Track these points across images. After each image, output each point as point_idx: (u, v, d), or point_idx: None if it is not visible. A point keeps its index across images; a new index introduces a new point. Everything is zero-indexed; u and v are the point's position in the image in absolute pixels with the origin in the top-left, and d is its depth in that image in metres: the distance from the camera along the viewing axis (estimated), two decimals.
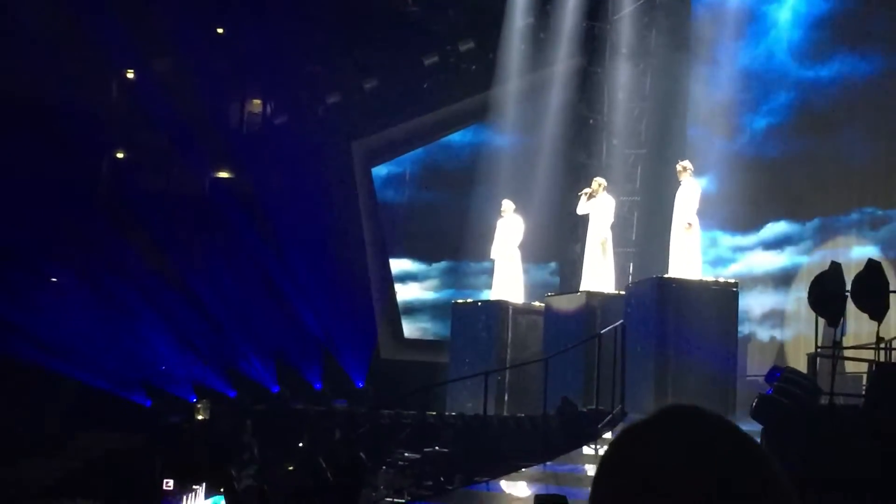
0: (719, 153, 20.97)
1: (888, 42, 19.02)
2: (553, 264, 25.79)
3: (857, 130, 19.08)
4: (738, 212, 20.87)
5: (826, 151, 19.46)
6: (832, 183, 19.35)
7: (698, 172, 17.94)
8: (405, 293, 27.78)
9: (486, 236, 21.14)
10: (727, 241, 21.27)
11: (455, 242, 25.76)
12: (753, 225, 20.70)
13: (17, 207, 23.16)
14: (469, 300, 21.84)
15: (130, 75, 28.02)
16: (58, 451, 21.77)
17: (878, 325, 12.59)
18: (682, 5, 23.28)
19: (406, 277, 27.77)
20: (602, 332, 16.83)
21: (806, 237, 19.78)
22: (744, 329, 19.27)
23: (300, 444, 19.57)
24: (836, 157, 19.28)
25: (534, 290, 21.51)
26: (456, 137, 28.15)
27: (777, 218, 20.37)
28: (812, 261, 18.83)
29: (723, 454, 1.51)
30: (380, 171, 28.26)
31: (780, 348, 20.05)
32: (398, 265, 27.75)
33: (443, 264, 27.63)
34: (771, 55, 21.05)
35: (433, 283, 27.75)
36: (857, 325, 15.32)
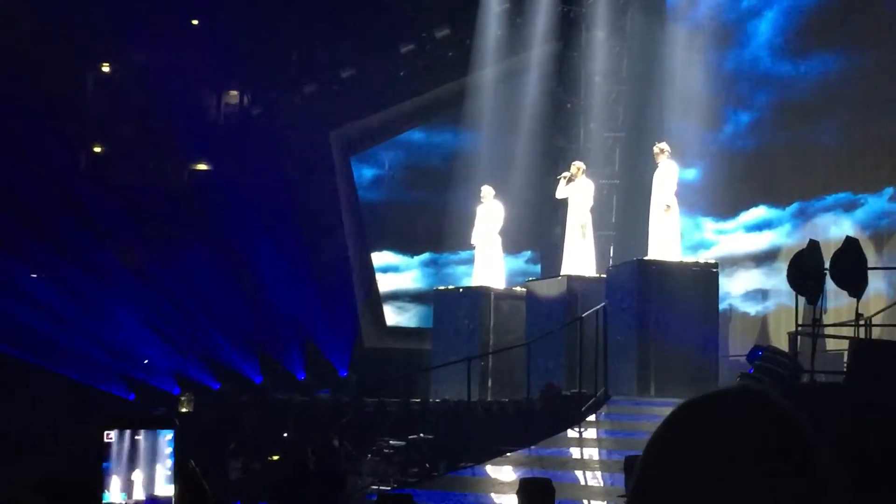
0: (698, 142, 21.02)
1: (862, 39, 19.07)
2: (528, 252, 25.82)
3: (833, 122, 19.16)
4: (718, 198, 20.94)
5: (801, 141, 19.54)
6: (809, 170, 19.42)
7: (677, 161, 17.99)
8: (387, 284, 27.78)
9: (467, 226, 21.16)
10: (709, 225, 21.34)
11: (435, 234, 25.82)
12: (734, 211, 20.77)
13: None
14: (451, 287, 21.85)
15: (106, 68, 27.90)
16: (42, 448, 21.69)
17: (857, 302, 12.67)
18: None
19: (388, 269, 27.78)
20: (583, 315, 16.85)
21: (785, 221, 19.86)
22: (725, 309, 19.33)
23: (284, 435, 19.57)
24: (812, 146, 19.37)
25: (510, 278, 21.51)
26: (434, 128, 28.15)
27: (756, 203, 20.44)
28: (791, 242, 18.90)
29: (774, 436, 1.52)
30: (361, 171, 28.21)
31: (762, 327, 20.13)
32: (380, 258, 27.75)
33: (425, 256, 27.64)
34: (748, 46, 21.07)
35: (415, 273, 27.77)
36: (837, 302, 15.39)
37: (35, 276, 25.22)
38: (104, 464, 2.92)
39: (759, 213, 20.38)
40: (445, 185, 25.53)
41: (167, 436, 3.05)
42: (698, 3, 22.07)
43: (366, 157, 28.46)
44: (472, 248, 21.13)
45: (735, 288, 20.46)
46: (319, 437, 17.65)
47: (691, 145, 20.45)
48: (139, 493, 2.87)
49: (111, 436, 3.00)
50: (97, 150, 28.03)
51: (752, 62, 20.89)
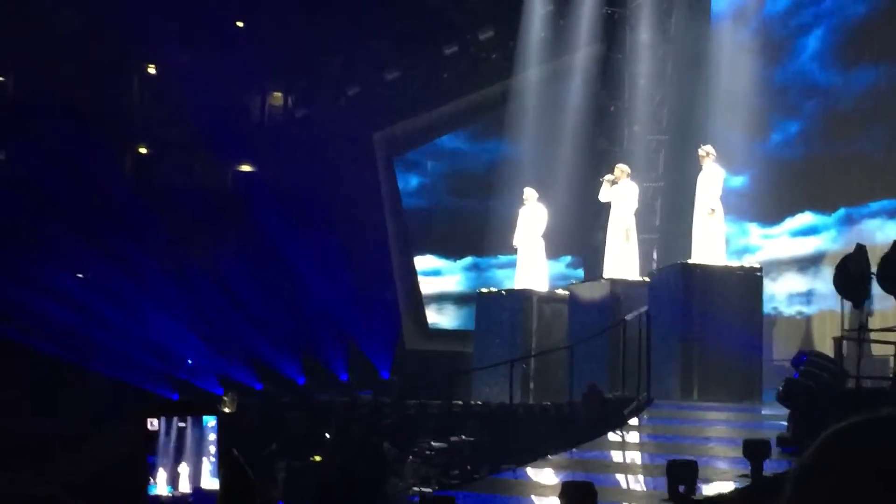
0: (743, 149, 20.87)
1: None
2: (569, 257, 25.73)
3: (879, 131, 18.98)
4: (764, 204, 20.81)
5: (847, 150, 19.38)
6: (854, 178, 19.25)
7: (724, 167, 17.89)
8: (429, 286, 27.79)
9: (509, 231, 21.12)
10: (755, 230, 21.20)
11: (478, 239, 25.82)
12: (780, 216, 20.63)
13: (41, 202, 23.28)
14: (493, 289, 21.83)
15: (151, 70, 28.08)
16: (85, 447, 21.84)
17: None
18: None
19: (430, 273, 27.80)
20: (626, 318, 16.79)
21: (831, 226, 19.71)
22: (769, 313, 19.20)
23: (326, 436, 19.61)
24: (857, 155, 19.20)
25: (551, 283, 21.41)
26: (477, 135, 28.17)
27: (802, 210, 20.30)
28: (837, 246, 18.75)
29: None
30: (407, 180, 28.28)
31: (806, 331, 19.97)
32: (423, 262, 27.77)
33: (467, 260, 27.63)
34: (796, 59, 20.90)
35: (457, 277, 27.77)
36: (883, 305, 15.23)
37: (80, 276, 25.41)
38: (149, 457, 2.90)
39: (806, 218, 20.22)
40: (488, 191, 25.51)
41: (210, 422, 3.03)
42: (744, 9, 21.88)
43: (410, 165, 28.52)
44: (514, 251, 21.09)
45: (779, 291, 20.31)
46: (362, 438, 17.68)
47: (736, 151, 20.31)
48: (185, 486, 2.84)
49: (154, 424, 2.98)
50: (142, 151, 28.23)
51: (799, 74, 20.74)
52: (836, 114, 19.65)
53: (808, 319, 19.87)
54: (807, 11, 20.52)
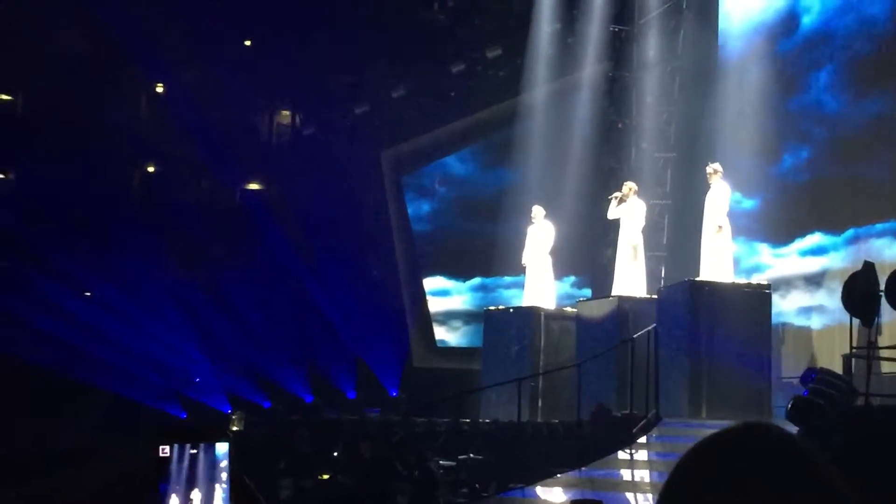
0: (751, 170, 20.85)
1: None
2: (573, 278, 25.69)
3: (886, 155, 19.02)
4: (774, 225, 20.80)
5: (854, 174, 19.41)
6: (862, 201, 19.26)
7: (733, 189, 17.90)
8: (438, 305, 27.80)
9: (517, 252, 21.12)
10: (765, 250, 21.19)
11: (486, 261, 25.87)
12: (789, 237, 20.63)
13: (50, 220, 23.33)
14: (501, 307, 21.81)
15: (160, 89, 28.17)
16: (92, 463, 21.84)
17: None
18: (709, 8, 23.18)
19: (439, 293, 27.82)
20: (635, 336, 16.75)
21: (840, 246, 19.72)
22: (777, 329, 19.16)
23: (335, 454, 19.58)
24: (865, 178, 19.21)
25: (556, 302, 21.38)
26: (484, 159, 28.29)
27: (812, 230, 20.31)
28: (845, 265, 18.73)
29: (783, 473, 1.56)
30: (420, 206, 28.38)
31: (815, 347, 19.93)
32: (431, 283, 27.80)
33: (475, 281, 27.65)
34: (806, 91, 20.95)
35: (465, 297, 27.78)
36: (892, 324, 15.20)
37: (88, 294, 25.45)
38: (161, 485, 2.89)
39: (815, 239, 20.23)
40: (496, 214, 25.50)
41: (223, 448, 3.02)
42: (755, 48, 21.83)
43: (421, 191, 28.58)
44: (522, 269, 21.07)
45: (788, 308, 20.29)
46: (372, 455, 17.64)
47: (746, 172, 20.31)
48: None
49: (166, 451, 2.96)
50: (150, 169, 28.30)
51: (810, 104, 20.78)
52: (845, 139, 19.68)
53: (816, 335, 19.83)
54: (818, 49, 20.60)
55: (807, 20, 20.89)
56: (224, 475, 2.98)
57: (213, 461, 3.00)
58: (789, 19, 21.23)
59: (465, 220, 27.80)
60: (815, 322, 19.81)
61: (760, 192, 21.08)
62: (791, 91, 21.04)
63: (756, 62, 21.31)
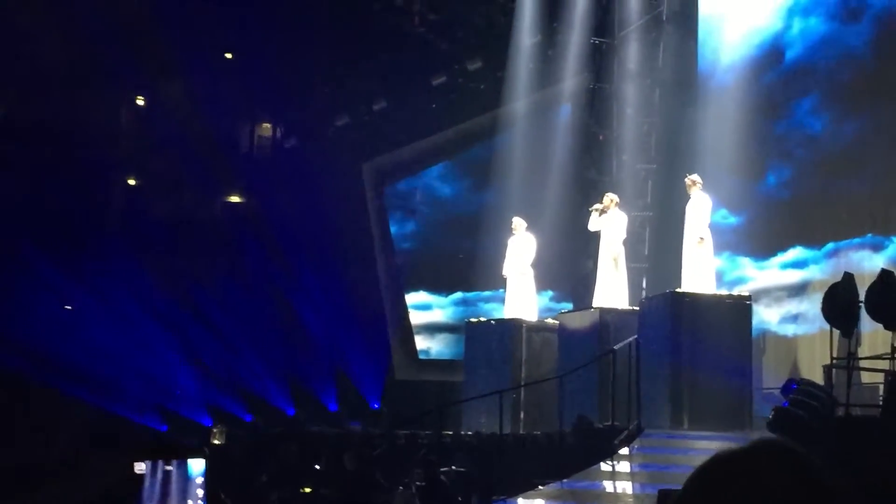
0: (732, 186, 20.95)
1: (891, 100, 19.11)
2: (550, 292, 25.68)
3: (865, 173, 19.19)
4: (756, 240, 20.93)
5: (834, 190, 19.58)
6: (841, 215, 19.40)
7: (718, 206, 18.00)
8: (419, 318, 27.80)
9: (498, 267, 21.11)
10: (747, 263, 21.30)
11: (467, 276, 25.90)
12: (771, 251, 20.74)
13: (31, 233, 23.25)
14: (483, 318, 21.80)
15: (140, 101, 28.13)
16: (73, 476, 21.76)
17: (893, 335, 12.57)
18: (689, 20, 23.28)
19: (421, 307, 27.82)
20: (616, 347, 16.76)
21: (820, 260, 19.85)
22: (759, 341, 19.22)
23: (317, 467, 19.54)
24: (845, 195, 19.37)
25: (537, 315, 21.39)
26: (464, 179, 28.38)
27: (793, 245, 20.42)
28: (825, 276, 18.82)
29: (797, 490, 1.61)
30: (403, 226, 28.44)
31: (795, 357, 20.00)
32: (413, 297, 27.82)
33: (456, 295, 27.66)
34: (789, 116, 21.12)
35: (447, 311, 27.80)
36: (872, 334, 15.26)
37: (68, 308, 25.37)
38: (137, 503, 2.87)
39: (795, 252, 20.36)
40: (477, 230, 25.48)
41: (198, 465, 3.01)
42: (738, 79, 21.95)
43: (406, 211, 28.64)
44: (503, 281, 21.06)
45: (769, 319, 20.37)
46: (354, 467, 17.60)
47: (726, 189, 20.42)
48: None
49: (141, 467, 2.95)
50: (131, 182, 28.23)
51: (793, 126, 20.96)
52: (826, 158, 19.86)
53: (797, 344, 19.92)
54: (802, 79, 20.80)
55: (790, 54, 21.12)
56: (200, 492, 2.96)
57: (185, 477, 2.99)
58: (773, 53, 21.42)
59: (446, 236, 27.82)
60: (796, 332, 19.90)
61: (745, 208, 21.21)
62: (771, 117, 21.25)
63: (740, 89, 21.44)
